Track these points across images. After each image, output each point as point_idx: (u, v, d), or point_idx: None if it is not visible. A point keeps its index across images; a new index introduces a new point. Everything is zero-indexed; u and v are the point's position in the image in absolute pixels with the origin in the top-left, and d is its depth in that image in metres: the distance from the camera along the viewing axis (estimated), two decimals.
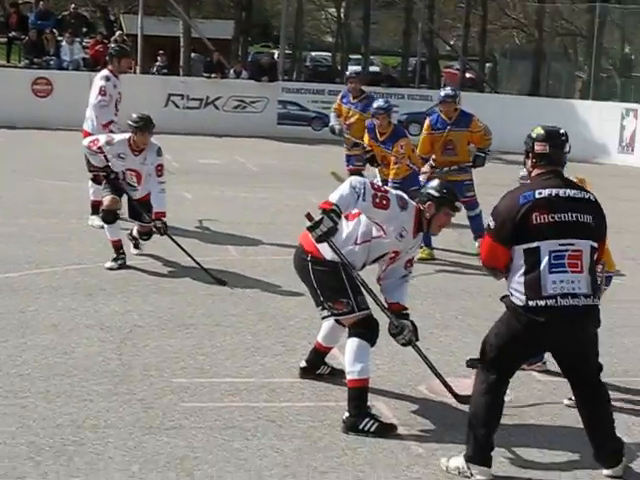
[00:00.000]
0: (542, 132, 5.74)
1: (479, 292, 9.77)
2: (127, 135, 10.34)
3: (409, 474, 5.61)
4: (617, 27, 27.22)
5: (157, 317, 8.47)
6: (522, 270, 5.45)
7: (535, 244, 5.42)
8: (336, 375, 6.99)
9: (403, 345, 6.57)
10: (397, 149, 11.62)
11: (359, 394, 6.23)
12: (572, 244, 5.45)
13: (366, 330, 6.34)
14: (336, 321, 6.66)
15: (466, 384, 7.03)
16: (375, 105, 12.03)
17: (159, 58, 28.28)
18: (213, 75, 24.49)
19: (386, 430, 6.16)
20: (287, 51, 30.02)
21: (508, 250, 5.51)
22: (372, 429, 6.12)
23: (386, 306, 6.60)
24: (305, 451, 5.85)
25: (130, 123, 10.20)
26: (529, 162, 5.76)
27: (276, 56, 29.19)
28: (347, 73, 15.54)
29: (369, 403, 6.28)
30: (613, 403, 6.71)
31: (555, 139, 5.72)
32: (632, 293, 9.95)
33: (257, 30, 45.57)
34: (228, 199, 14.92)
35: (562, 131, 5.81)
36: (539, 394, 6.98)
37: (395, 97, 24.71)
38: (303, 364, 7.12)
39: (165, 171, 10.44)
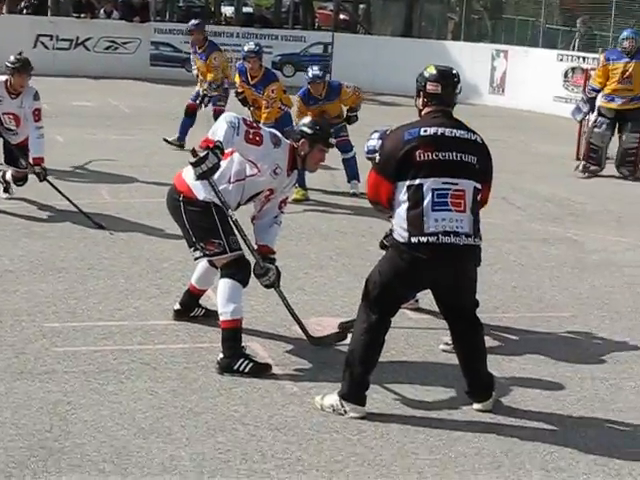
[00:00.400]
0: (435, 72, 5.74)
1: (353, 232, 9.86)
2: (3, 77, 10.03)
3: (284, 412, 5.66)
4: None
5: (28, 261, 8.33)
6: (405, 206, 5.47)
7: (418, 181, 5.44)
8: (210, 317, 6.98)
9: (266, 287, 6.65)
10: (268, 93, 11.67)
11: (232, 335, 6.24)
12: (455, 183, 5.47)
13: (238, 271, 6.34)
14: (209, 262, 6.66)
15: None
16: (246, 48, 12.09)
17: None
18: (83, 15, 23.96)
19: (261, 370, 6.19)
20: None
21: (391, 185, 5.54)
22: (247, 369, 6.15)
23: (255, 248, 6.62)
24: (180, 392, 5.85)
25: (7, 64, 9.91)
26: (420, 100, 5.77)
27: None
28: (188, 25, 15.58)
29: (244, 343, 6.30)
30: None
31: (447, 79, 5.74)
32: (502, 232, 10.15)
33: None
34: (100, 141, 14.70)
35: (454, 72, 5.83)
36: (411, 331, 7.09)
37: (269, 38, 24.62)
38: (177, 307, 7.10)
39: (42, 115, 10.21)
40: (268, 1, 36.13)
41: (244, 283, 6.36)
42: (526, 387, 6.23)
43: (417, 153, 5.46)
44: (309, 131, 6.53)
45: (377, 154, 5.81)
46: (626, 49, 13.92)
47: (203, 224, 6.37)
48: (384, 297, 5.60)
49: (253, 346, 6.56)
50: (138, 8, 24.61)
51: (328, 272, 8.52)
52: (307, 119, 6.85)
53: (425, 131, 5.54)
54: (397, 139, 5.59)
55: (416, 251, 5.42)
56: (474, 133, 5.71)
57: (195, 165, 6.11)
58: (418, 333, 7.04)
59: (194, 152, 6.17)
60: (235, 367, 6.15)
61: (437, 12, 29.78)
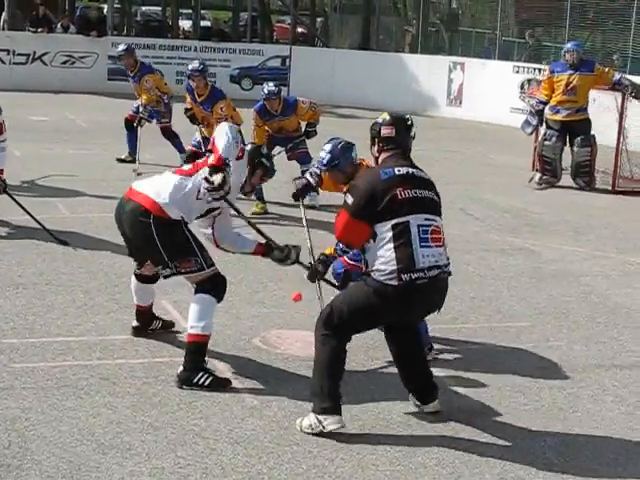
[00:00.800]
0: (388, 117, 5.85)
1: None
2: None
3: (244, 426, 5.65)
4: None
5: None
6: (391, 245, 5.47)
7: (405, 218, 5.48)
8: (168, 328, 7.07)
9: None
10: (217, 111, 11.67)
11: (198, 349, 6.23)
12: (434, 220, 5.60)
13: (213, 287, 6.33)
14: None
15: (300, 335, 7.14)
16: (190, 67, 12.15)
17: None
18: (39, 30, 23.86)
19: (220, 384, 6.18)
20: (116, 5, 29.45)
21: (369, 228, 5.52)
22: (206, 383, 6.14)
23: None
24: (139, 407, 5.83)
25: None
26: (375, 147, 5.83)
27: (105, 10, 28.59)
28: (117, 50, 15.75)
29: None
30: (443, 349, 6.94)
31: (401, 123, 5.84)
32: (460, 243, 10.20)
33: None
34: (58, 156, 14.65)
35: (407, 116, 5.96)
36: (371, 343, 7.10)
37: (227, 52, 24.68)
38: (135, 324, 7.07)
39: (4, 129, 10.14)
40: (226, 15, 36.15)
41: (219, 299, 6.37)
42: (485, 397, 6.27)
43: (398, 191, 5.51)
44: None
45: (347, 195, 5.64)
46: (568, 61, 14.05)
47: (177, 243, 6.30)
48: (349, 328, 5.64)
49: (212, 360, 6.54)
50: (95, 22, 24.55)
51: (286, 285, 8.50)
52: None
53: (399, 170, 5.61)
54: (374, 180, 5.60)
55: (408, 288, 5.46)
56: (425, 173, 5.82)
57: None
58: (378, 345, 7.06)
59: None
60: (195, 380, 6.14)
61: (394, 25, 29.93)
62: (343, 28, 30.26)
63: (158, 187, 6.33)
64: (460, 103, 22.51)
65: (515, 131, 18.61)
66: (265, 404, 5.97)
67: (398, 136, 5.77)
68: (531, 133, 14.74)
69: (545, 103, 14.20)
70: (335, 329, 5.58)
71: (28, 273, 8.47)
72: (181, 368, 6.21)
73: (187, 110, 12.35)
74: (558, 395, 6.38)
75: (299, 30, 31.38)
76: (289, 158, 12.01)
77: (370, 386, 6.36)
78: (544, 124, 14.32)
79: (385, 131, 5.78)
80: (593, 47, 22.06)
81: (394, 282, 5.43)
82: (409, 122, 5.88)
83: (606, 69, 14.41)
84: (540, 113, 14.31)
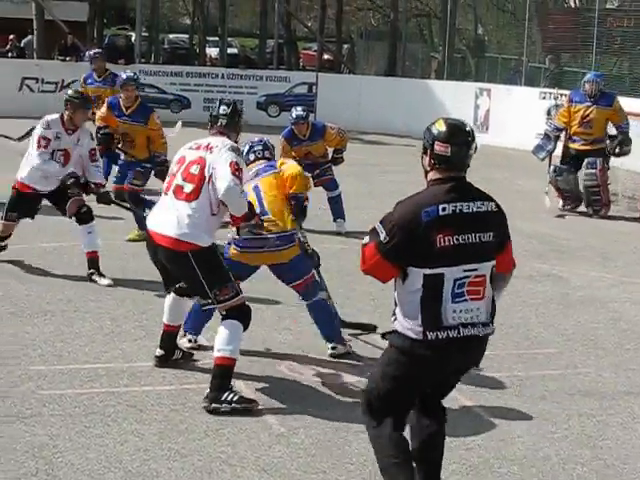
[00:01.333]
0: (444, 129, 4.81)
1: (339, 272, 9.83)
2: (55, 114, 9.63)
3: (271, 453, 5.65)
4: (470, 8, 27.72)
5: (13, 304, 8.31)
6: (419, 295, 4.69)
7: (439, 270, 4.67)
8: (188, 358, 7.10)
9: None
10: (154, 122, 11.11)
11: (226, 372, 6.28)
12: (475, 269, 4.74)
13: (242, 314, 6.41)
14: (214, 307, 6.58)
15: (324, 362, 7.12)
16: (125, 76, 11.41)
17: (11, 40, 27.63)
18: (68, 58, 24.06)
19: (247, 403, 6.23)
20: (144, 33, 29.67)
21: (398, 271, 4.75)
22: (234, 399, 6.18)
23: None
24: (166, 434, 5.84)
25: (67, 98, 9.55)
26: (427, 160, 4.86)
27: (133, 38, 28.82)
28: (91, 53, 15.87)
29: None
30: (472, 376, 6.92)
31: (460, 139, 4.83)
32: None
33: (113, 12, 44.87)
34: None
35: (468, 128, 4.91)
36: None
37: (253, 79, 24.80)
38: (158, 352, 7.05)
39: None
40: (253, 42, 36.34)
41: (246, 326, 6.44)
42: (513, 424, 6.24)
43: (438, 238, 4.65)
44: None
45: (380, 226, 4.77)
46: (587, 92, 13.81)
47: (214, 269, 6.40)
48: (391, 407, 4.86)
49: (239, 385, 6.53)
50: (123, 50, 24.72)
51: None
52: None
53: (444, 210, 4.68)
54: (414, 221, 4.68)
55: (432, 347, 4.69)
56: (489, 200, 4.91)
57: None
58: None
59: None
60: (222, 398, 6.18)
61: (420, 51, 30.02)
62: (369, 55, 30.35)
63: (177, 222, 6.36)
64: (487, 129, 22.47)
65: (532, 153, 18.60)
66: (292, 431, 5.96)
67: (455, 157, 4.80)
68: (544, 159, 14.38)
69: (561, 130, 14.05)
70: (378, 413, 4.86)
71: (56, 300, 8.51)
72: (207, 390, 6.24)
73: (100, 129, 11.32)
74: (587, 422, 6.34)
75: (325, 57, 31.52)
76: (316, 185, 12.02)
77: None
78: (559, 150, 14.18)
79: (439, 148, 4.79)
80: (621, 73, 21.98)
81: (419, 337, 4.69)
82: (470, 137, 4.86)
83: (621, 109, 13.98)
84: (556, 139, 14.17)
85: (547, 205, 14.00)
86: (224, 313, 6.43)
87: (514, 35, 25.28)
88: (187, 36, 37.72)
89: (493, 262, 4.83)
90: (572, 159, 13.97)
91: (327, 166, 12.00)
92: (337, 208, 11.93)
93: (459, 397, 6.30)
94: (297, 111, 11.85)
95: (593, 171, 13.74)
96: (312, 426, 6.01)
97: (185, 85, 24.15)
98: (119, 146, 11.40)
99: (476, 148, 4.89)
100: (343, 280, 9.39)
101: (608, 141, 13.80)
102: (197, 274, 6.34)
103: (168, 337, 7.06)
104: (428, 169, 4.88)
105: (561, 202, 14.16)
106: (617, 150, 13.72)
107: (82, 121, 9.62)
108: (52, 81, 23.78)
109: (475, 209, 4.78)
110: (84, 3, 34.74)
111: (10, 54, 26.62)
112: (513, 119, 21.42)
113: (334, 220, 11.92)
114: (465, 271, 4.71)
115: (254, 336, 7.15)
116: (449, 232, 4.68)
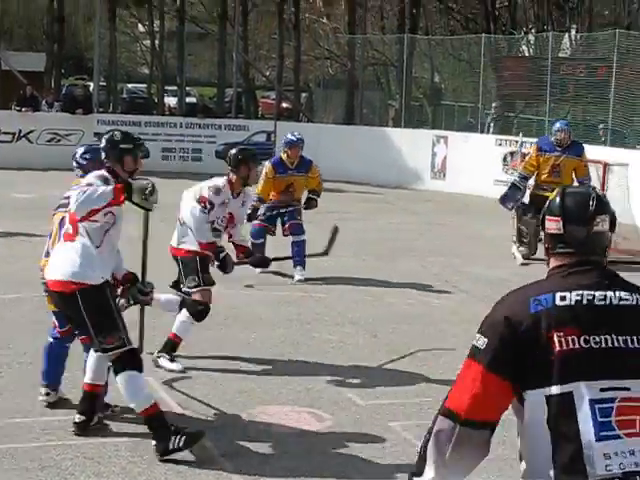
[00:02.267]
0: (557, 200, 3.41)
1: (298, 319, 9.83)
2: (222, 179, 8.53)
3: None
4: (426, 57, 27.97)
5: None
6: (542, 431, 3.16)
7: (567, 387, 3.14)
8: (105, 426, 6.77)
9: None
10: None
11: (155, 420, 6.21)
12: (624, 388, 3.17)
13: (130, 360, 6.26)
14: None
15: (286, 410, 7.09)
16: None
17: None
18: (24, 109, 24.02)
19: (194, 438, 6.18)
20: (102, 83, 29.71)
21: (511, 384, 3.21)
22: (181, 444, 6.11)
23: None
24: None
25: (232, 157, 8.64)
26: (545, 244, 3.49)
27: (91, 88, 28.83)
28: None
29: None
30: None
31: (575, 210, 3.36)
32: (447, 314, 10.19)
33: (71, 62, 44.94)
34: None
35: (592, 194, 3.40)
36: (359, 418, 7.06)
37: (212, 127, 24.87)
38: (77, 419, 6.56)
39: None
40: (211, 91, 36.46)
41: (140, 370, 6.29)
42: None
43: (556, 337, 3.17)
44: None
45: (479, 336, 3.36)
46: (559, 140, 13.80)
47: (101, 314, 6.17)
48: None
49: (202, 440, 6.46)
50: (80, 100, 24.73)
51: (275, 362, 8.46)
52: None
53: (563, 298, 3.24)
54: (519, 312, 3.27)
55: None
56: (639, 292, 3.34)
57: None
58: (365, 419, 7.00)
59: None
60: (171, 447, 6.11)
61: (378, 99, 30.25)
62: (327, 103, 30.52)
63: (65, 264, 6.25)
64: (444, 176, 22.64)
65: (498, 203, 18.75)
66: None
67: (571, 236, 3.36)
68: (512, 208, 14.34)
69: (527, 179, 14.05)
70: None
71: (11, 352, 8.41)
72: (153, 442, 6.18)
73: None
74: None
75: (284, 105, 31.66)
76: (284, 232, 12.09)
77: (359, 461, 6.31)
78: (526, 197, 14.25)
79: (550, 226, 3.41)
80: (574, 119, 22.27)
81: None
82: (592, 207, 3.35)
83: (586, 164, 14.10)
84: (525, 189, 14.16)
85: (518, 262, 13.87)
86: (110, 364, 6.32)
87: (470, 83, 25.57)
88: (145, 85, 37.78)
89: None
90: (537, 207, 13.98)
91: (298, 209, 12.09)
92: (299, 254, 11.78)
93: None
94: (296, 135, 12.26)
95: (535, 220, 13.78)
96: (271, 475, 5.96)
97: (144, 134, 24.07)
98: None
99: (614, 225, 3.42)
100: (303, 328, 9.39)
101: None
102: (83, 316, 6.14)
103: (90, 399, 6.64)
104: (547, 257, 3.50)
105: (519, 254, 14.08)
106: None
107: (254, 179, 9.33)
108: (8, 131, 23.73)
109: (614, 300, 3.27)
110: (41, 53, 34.84)
111: None
112: (470, 166, 21.61)
113: (294, 266, 11.84)
114: (604, 390, 3.16)
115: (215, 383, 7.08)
116: (573, 330, 3.20)
